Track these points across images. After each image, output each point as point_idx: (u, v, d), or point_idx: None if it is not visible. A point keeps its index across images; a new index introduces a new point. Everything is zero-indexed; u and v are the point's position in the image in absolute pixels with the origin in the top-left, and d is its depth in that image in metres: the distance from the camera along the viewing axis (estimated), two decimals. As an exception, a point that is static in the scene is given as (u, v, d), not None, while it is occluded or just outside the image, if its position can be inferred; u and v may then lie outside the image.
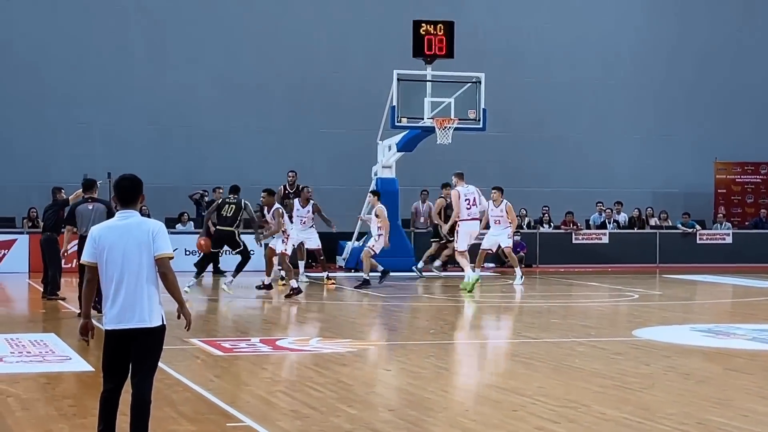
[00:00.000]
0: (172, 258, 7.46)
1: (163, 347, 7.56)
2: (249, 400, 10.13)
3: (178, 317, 7.56)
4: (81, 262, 7.81)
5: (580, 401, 9.99)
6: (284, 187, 25.11)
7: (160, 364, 7.61)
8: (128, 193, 7.50)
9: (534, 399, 10.18)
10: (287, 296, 19.72)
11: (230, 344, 13.56)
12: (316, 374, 11.43)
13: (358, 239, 27.92)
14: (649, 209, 32.57)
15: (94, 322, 7.61)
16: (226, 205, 20.38)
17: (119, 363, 7.44)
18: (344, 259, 28.01)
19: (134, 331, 7.35)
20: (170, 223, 27.90)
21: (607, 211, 31.62)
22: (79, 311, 10.45)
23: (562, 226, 31.06)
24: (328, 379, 11.07)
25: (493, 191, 23.47)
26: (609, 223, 31.46)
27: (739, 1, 35.62)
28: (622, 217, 31.74)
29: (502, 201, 23.48)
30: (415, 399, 10.26)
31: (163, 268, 7.38)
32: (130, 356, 7.41)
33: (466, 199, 22.21)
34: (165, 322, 7.47)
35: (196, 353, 12.81)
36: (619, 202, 31.90)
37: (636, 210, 32.09)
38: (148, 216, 25.63)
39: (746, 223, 33.59)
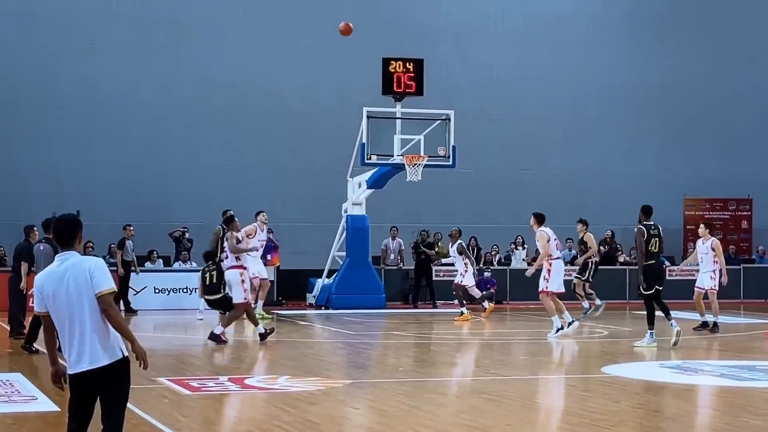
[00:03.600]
0: (113, 293, 7.31)
1: (131, 385, 7.48)
2: (216, 439, 10.05)
3: (136, 358, 7.41)
4: (34, 312, 7.70)
5: (549, 439, 9.96)
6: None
7: (126, 403, 7.53)
8: (65, 234, 7.39)
9: (503, 437, 10.14)
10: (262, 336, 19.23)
11: (198, 383, 13.46)
12: (284, 413, 11.35)
13: (328, 276, 27.90)
14: (619, 244, 32.67)
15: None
16: (207, 275, 19.88)
17: (83, 404, 7.38)
18: (314, 297, 27.96)
19: (91, 372, 7.27)
20: (140, 261, 27.81)
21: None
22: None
23: (533, 263, 31.01)
24: (296, 418, 11.00)
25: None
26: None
27: (709, 40, 35.91)
28: (569, 254, 31.74)
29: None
30: (384, 438, 10.20)
31: (104, 304, 7.23)
32: (97, 396, 7.34)
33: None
34: (125, 354, 7.35)
35: (164, 392, 12.71)
36: (569, 239, 31.96)
37: (602, 245, 32.17)
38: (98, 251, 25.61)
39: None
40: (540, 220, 20.82)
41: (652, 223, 18.15)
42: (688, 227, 34.53)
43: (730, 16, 36.19)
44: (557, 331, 19.92)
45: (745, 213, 34.97)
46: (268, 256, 26.82)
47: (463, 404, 12.26)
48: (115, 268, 24.54)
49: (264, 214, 23.64)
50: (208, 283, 19.70)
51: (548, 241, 20.42)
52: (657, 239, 17.88)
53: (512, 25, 34.69)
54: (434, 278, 29.18)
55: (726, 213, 34.91)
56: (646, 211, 18.37)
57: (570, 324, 20.10)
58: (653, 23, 35.76)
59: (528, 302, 28.93)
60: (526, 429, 10.53)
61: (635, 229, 18.28)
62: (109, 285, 7.30)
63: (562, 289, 20.68)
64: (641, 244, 17.86)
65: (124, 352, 7.37)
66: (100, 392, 7.34)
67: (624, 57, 35.36)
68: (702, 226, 22.43)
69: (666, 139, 35.43)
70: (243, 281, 19.09)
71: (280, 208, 29.42)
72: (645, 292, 18.08)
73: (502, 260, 31.33)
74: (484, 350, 19.53)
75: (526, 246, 31.09)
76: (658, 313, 18.27)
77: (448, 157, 26.48)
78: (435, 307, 28.22)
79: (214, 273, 19.68)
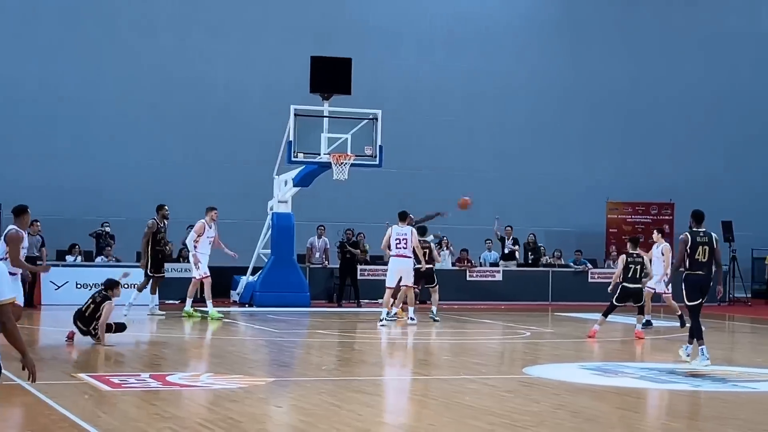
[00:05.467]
0: (11, 302, 6.94)
1: (49, 382, 7.40)
2: (136, 436, 9.97)
3: (22, 368, 7.17)
4: None
5: (470, 439, 10.02)
6: (155, 221, 23.52)
7: (45, 398, 7.45)
8: None
9: (424, 437, 10.19)
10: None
11: (119, 379, 13.35)
12: (206, 411, 11.30)
13: (252, 274, 27.81)
14: (542, 247, 32.95)
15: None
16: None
17: None
18: (239, 294, 27.86)
19: None
20: (61, 255, 27.56)
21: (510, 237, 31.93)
22: None
23: (457, 263, 31.24)
24: (218, 416, 10.95)
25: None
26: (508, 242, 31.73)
27: (633, 46, 36.32)
28: (493, 255, 31.97)
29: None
30: (306, 436, 10.20)
31: (1, 316, 6.87)
32: None
33: (396, 239, 22.21)
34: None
35: (84, 389, 12.59)
36: (489, 240, 32.18)
37: (530, 248, 32.45)
38: (43, 244, 25.28)
39: (637, 263, 34.09)
40: (401, 217, 22.51)
41: (703, 229, 16.27)
42: (610, 230, 34.92)
43: (654, 22, 36.64)
44: (381, 320, 22.08)
45: (666, 217, 35.38)
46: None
47: (385, 403, 12.29)
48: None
49: (216, 211, 23.54)
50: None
51: (388, 237, 22.32)
52: (706, 248, 16.07)
53: (440, 26, 34.83)
54: (359, 277, 29.22)
55: (648, 217, 35.32)
56: (697, 217, 16.33)
57: (383, 319, 22.04)
58: (580, 28, 36.10)
59: (452, 302, 29.05)
60: (447, 429, 10.58)
61: (681, 237, 16.32)
62: (4, 295, 6.91)
63: (393, 285, 22.48)
64: (681, 251, 16.05)
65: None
66: None
67: (550, 60, 35.66)
68: (655, 231, 23.31)
69: (590, 143, 35.79)
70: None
71: (205, 204, 29.17)
72: (689, 303, 16.22)
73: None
74: (407, 350, 19.59)
75: (451, 246, 31.21)
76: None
77: (375, 156, 26.52)
78: (359, 306, 28.25)
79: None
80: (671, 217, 35.29)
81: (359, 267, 29.44)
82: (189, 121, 32.04)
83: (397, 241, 22.31)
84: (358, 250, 29.29)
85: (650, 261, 22.33)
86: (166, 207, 23.31)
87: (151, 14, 32.21)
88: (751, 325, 25.93)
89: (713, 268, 16.20)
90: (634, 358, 17.69)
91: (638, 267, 20.61)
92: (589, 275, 32.14)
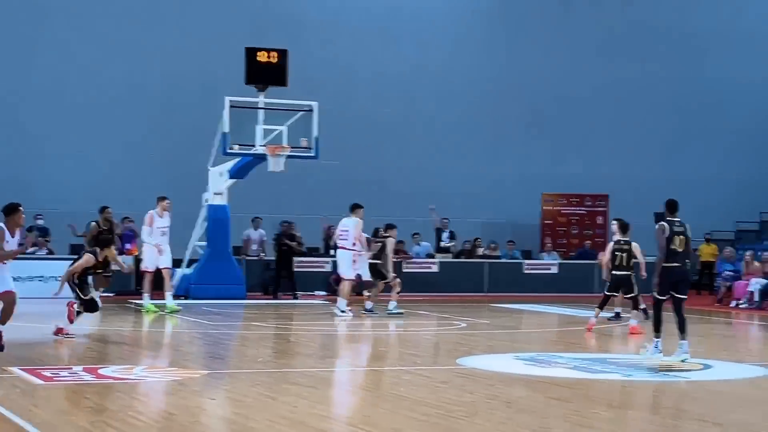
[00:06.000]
0: None
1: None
2: (69, 430, 9.89)
3: None
4: None
5: (404, 430, 10.05)
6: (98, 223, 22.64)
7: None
8: None
9: (359, 428, 10.20)
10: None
11: (51, 373, 13.23)
12: (140, 403, 11.24)
13: (188, 266, 27.68)
14: (477, 239, 33.11)
15: None
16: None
17: None
18: (174, 286, 27.66)
19: None
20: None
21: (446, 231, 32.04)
22: None
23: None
24: (152, 409, 10.90)
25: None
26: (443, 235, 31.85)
27: (569, 39, 36.55)
28: (423, 248, 32.09)
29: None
30: (240, 428, 10.18)
31: None
32: None
33: (340, 230, 23.03)
34: None
35: (15, 382, 12.46)
36: (416, 233, 32.29)
37: (467, 243, 32.61)
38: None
39: (571, 254, 34.42)
40: (351, 209, 23.31)
41: (678, 219, 15.75)
42: (545, 222, 35.17)
43: (590, 16, 36.90)
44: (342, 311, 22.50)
45: (601, 209, 35.72)
46: (128, 246, 26.50)
47: (320, 395, 12.29)
48: None
49: (168, 201, 23.32)
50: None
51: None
52: (683, 237, 15.52)
53: (377, 17, 34.85)
54: (295, 270, 29.19)
55: (582, 209, 35.63)
56: (671, 206, 15.76)
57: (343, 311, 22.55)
58: (516, 21, 36.28)
59: (388, 294, 29.06)
60: (382, 420, 10.61)
61: (656, 226, 15.61)
62: None
63: (352, 276, 23.00)
64: (662, 242, 15.34)
65: None
66: None
67: (487, 53, 35.81)
68: (614, 222, 22.88)
69: (525, 136, 36.00)
70: None
71: (140, 196, 29.01)
72: (659, 296, 15.67)
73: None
74: (343, 341, 19.61)
75: (387, 238, 31.23)
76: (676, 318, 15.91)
77: (311, 148, 26.50)
78: (295, 298, 28.22)
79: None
80: (605, 209, 35.63)
81: (295, 259, 29.39)
82: (124, 113, 31.79)
83: (341, 233, 22.73)
84: (295, 243, 29.24)
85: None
86: (108, 209, 22.85)
87: (85, 6, 31.90)
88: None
89: (687, 260, 15.75)
90: (568, 349, 17.82)
91: (625, 254, 20.15)
92: (524, 266, 32.36)
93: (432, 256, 31.89)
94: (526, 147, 35.95)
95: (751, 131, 37.92)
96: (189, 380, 13.07)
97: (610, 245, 20.61)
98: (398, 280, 23.88)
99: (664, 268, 15.47)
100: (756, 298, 28.45)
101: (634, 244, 20.49)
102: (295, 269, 29.24)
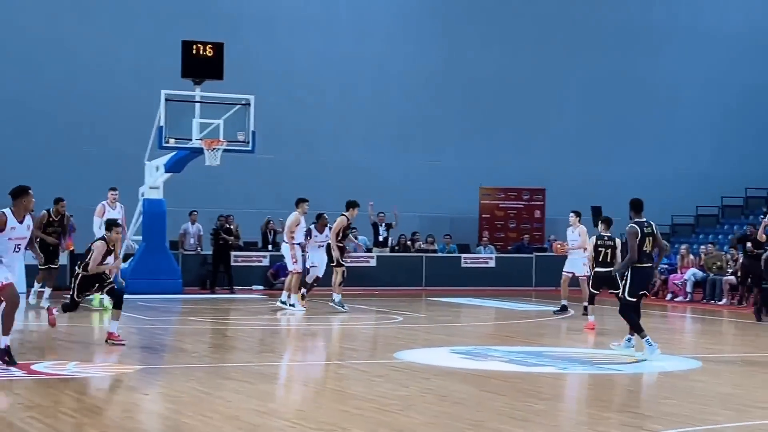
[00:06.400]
0: None
1: None
2: (-2, 427, 9.79)
3: None
4: None
5: (339, 424, 10.04)
6: (48, 212, 22.67)
7: None
8: None
9: (293, 422, 10.18)
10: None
11: (-18, 369, 13.07)
12: (72, 399, 11.13)
13: (123, 261, 27.42)
14: (415, 234, 33.17)
15: None
16: None
17: None
18: (110, 281, 27.46)
19: None
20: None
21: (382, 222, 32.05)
22: None
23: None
24: (84, 405, 10.81)
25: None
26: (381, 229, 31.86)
27: (507, 33, 36.66)
28: (361, 242, 32.10)
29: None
30: (173, 424, 10.13)
31: None
32: None
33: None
34: None
35: (-55, 379, 12.31)
36: (353, 227, 32.24)
37: (402, 236, 32.66)
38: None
39: (509, 248, 34.59)
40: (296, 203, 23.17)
41: (645, 219, 15.70)
42: (483, 216, 35.29)
43: (528, 9, 37.03)
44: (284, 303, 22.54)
45: (538, 203, 35.91)
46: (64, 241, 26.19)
47: (255, 390, 12.24)
48: None
49: (114, 192, 23.02)
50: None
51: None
52: (651, 238, 15.38)
53: (314, 10, 34.74)
54: (232, 264, 29.11)
55: (520, 202, 35.79)
56: (636, 207, 15.58)
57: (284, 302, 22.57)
58: (454, 13, 36.32)
59: (326, 288, 29.04)
60: (316, 413, 10.60)
61: (627, 228, 15.23)
62: None
63: (297, 269, 22.71)
64: (633, 245, 15.08)
65: None
66: None
67: (425, 47, 35.83)
68: (572, 214, 23.07)
69: (464, 129, 36.07)
70: None
71: (75, 191, 28.74)
72: (629, 299, 15.34)
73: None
74: (279, 336, 19.57)
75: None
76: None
77: (248, 142, 26.40)
78: (232, 292, 28.14)
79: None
80: (543, 203, 35.82)
81: (232, 253, 29.31)
82: (58, 106, 31.43)
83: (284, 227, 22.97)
84: (232, 237, 29.15)
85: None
86: (63, 202, 22.55)
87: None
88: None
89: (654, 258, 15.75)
90: (504, 342, 17.90)
91: (609, 250, 19.57)
92: (462, 260, 32.46)
93: (370, 250, 31.91)
94: (464, 141, 36.02)
95: (686, 126, 38.26)
96: (123, 376, 12.99)
97: (592, 241, 20.00)
98: (341, 268, 23.08)
99: (635, 270, 15.28)
100: (688, 288, 28.75)
101: (617, 240, 20.18)
102: (233, 263, 29.16)
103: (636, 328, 15.59)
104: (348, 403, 11.19)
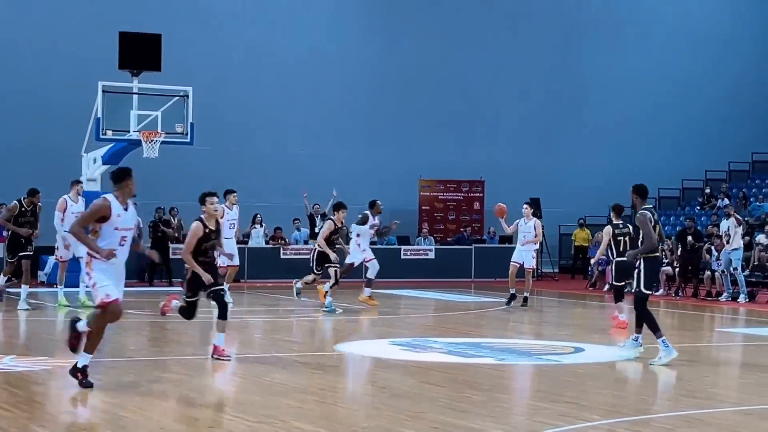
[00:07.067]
0: None
1: None
2: (-67, 422, 9.68)
3: None
4: None
5: (278, 416, 10.04)
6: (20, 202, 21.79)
7: None
8: None
9: (232, 415, 10.17)
10: None
11: None
12: (8, 393, 11.03)
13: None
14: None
15: None
16: None
17: None
18: (46, 274, 27.27)
19: None
20: None
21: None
22: None
23: (271, 242, 31.22)
24: (20, 399, 10.71)
25: None
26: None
27: (444, 26, 36.76)
28: (303, 234, 32.04)
29: None
30: (111, 417, 10.07)
31: None
32: None
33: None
34: None
35: None
36: (297, 219, 32.24)
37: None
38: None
39: (448, 239, 34.71)
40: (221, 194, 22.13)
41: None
42: (423, 208, 35.39)
43: (466, 2, 37.14)
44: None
45: (477, 194, 36.07)
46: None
47: (194, 383, 12.20)
48: None
49: (78, 185, 22.61)
50: None
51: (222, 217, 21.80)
52: (658, 226, 14.67)
53: (252, 2, 34.62)
54: (171, 256, 28.95)
55: (459, 194, 35.93)
56: (642, 193, 15.11)
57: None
58: (392, 6, 36.36)
59: (266, 280, 29.04)
60: (255, 406, 10.58)
61: (638, 215, 14.49)
62: None
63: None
64: (650, 232, 14.29)
65: None
66: None
67: (363, 39, 35.84)
68: (525, 206, 23.21)
69: (403, 122, 36.12)
70: None
71: (12, 184, 28.44)
72: (645, 291, 14.56)
73: (242, 238, 31.28)
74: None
75: (264, 224, 31.18)
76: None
77: (187, 134, 26.25)
78: (171, 285, 27.99)
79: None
80: (482, 195, 35.98)
81: (171, 246, 29.15)
82: (-6, 98, 31.12)
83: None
84: (171, 229, 28.99)
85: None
86: (38, 194, 21.90)
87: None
88: (558, 300, 26.63)
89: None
90: (444, 334, 17.97)
91: (626, 238, 18.20)
92: (402, 252, 32.52)
93: (306, 243, 31.82)
94: (403, 133, 36.09)
95: (622, 119, 38.59)
96: (60, 369, 12.87)
97: (608, 231, 18.47)
98: (333, 269, 21.46)
99: (649, 260, 14.48)
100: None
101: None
102: (172, 256, 29.00)
103: (653, 328, 14.39)
104: (288, 396, 11.19)
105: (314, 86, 35.00)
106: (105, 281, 11.34)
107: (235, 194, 22.55)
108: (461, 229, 35.10)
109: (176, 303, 14.12)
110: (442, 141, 36.40)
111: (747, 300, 25.46)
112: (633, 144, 38.50)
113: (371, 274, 22.76)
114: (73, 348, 11.55)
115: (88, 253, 11.51)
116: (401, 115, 36.10)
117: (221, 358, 13.61)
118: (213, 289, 13.75)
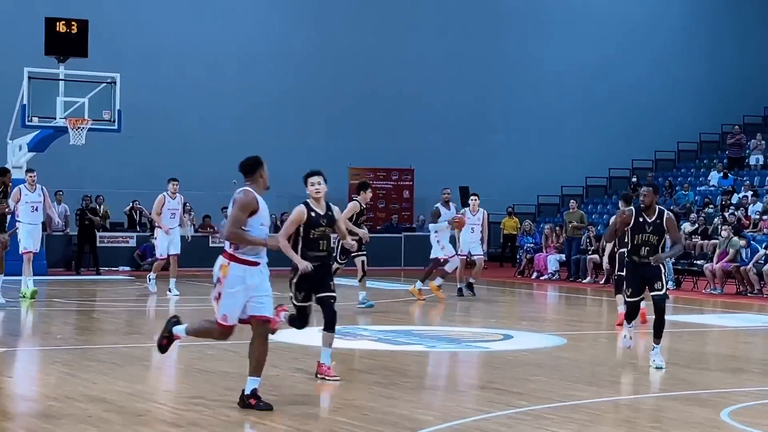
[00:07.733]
0: None
1: None
2: None
3: None
4: None
5: (207, 404, 10.00)
6: None
7: None
8: None
9: (160, 403, 10.12)
10: None
11: None
12: (-69, 384, 10.89)
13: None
14: (285, 214, 33.07)
15: None
16: None
17: None
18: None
19: None
20: None
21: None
22: None
23: (200, 230, 31.05)
24: (-56, 389, 10.57)
25: None
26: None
27: (374, 15, 36.75)
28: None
29: None
30: (38, 407, 9.97)
31: None
32: None
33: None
34: None
35: None
36: (225, 207, 32.07)
37: (273, 216, 32.53)
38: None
39: (378, 227, 34.74)
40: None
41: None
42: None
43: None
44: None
45: (407, 183, 36.15)
46: None
47: (122, 372, 12.11)
48: None
49: (32, 174, 21.97)
50: None
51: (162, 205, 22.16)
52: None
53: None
54: (98, 245, 28.71)
55: (389, 183, 35.98)
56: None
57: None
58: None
59: (196, 269, 28.85)
60: (185, 394, 10.53)
61: (667, 214, 13.00)
62: None
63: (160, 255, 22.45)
64: (680, 235, 13.86)
65: None
66: None
67: (293, 27, 35.71)
68: (473, 197, 23.35)
69: (332, 110, 36.07)
70: None
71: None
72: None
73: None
74: (147, 317, 19.36)
75: (193, 213, 30.99)
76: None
77: (114, 121, 26.00)
78: (98, 273, 27.77)
79: None
80: (411, 183, 36.07)
81: (99, 234, 28.91)
82: None
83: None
84: (98, 217, 28.74)
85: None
86: (9, 174, 21.00)
87: None
88: (487, 288, 26.74)
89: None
90: (375, 321, 17.99)
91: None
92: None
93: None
94: (333, 121, 36.04)
95: (551, 108, 38.83)
96: (-15, 359, 12.73)
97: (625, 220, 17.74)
98: (360, 259, 20.74)
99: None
100: (554, 267, 29.33)
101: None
102: (99, 244, 28.77)
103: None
104: (217, 383, 11.15)
105: (243, 74, 34.84)
106: (231, 306, 10.27)
107: (177, 183, 22.39)
108: (391, 217, 35.15)
109: (285, 315, 11.49)
110: (371, 129, 36.41)
111: (674, 287, 25.79)
112: (561, 133, 38.77)
113: (449, 268, 22.69)
114: (162, 348, 10.61)
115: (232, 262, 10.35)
116: (330, 104, 36.04)
117: (327, 377, 11.58)
118: (322, 295, 11.93)
